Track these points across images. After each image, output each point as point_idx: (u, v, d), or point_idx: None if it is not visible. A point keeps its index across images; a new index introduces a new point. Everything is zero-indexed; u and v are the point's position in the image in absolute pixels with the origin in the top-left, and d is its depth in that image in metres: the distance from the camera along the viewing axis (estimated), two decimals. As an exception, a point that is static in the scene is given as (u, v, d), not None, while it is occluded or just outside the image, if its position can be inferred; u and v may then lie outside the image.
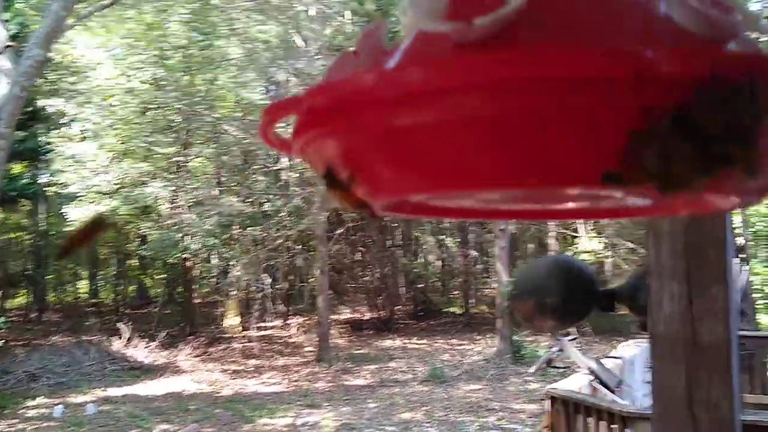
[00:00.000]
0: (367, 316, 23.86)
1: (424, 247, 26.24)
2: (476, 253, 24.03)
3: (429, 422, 11.88)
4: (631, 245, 18.11)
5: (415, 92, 0.41)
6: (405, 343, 20.26)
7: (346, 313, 24.79)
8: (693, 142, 0.36)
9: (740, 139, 0.37)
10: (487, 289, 24.35)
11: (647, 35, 0.43)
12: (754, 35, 0.49)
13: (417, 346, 20.00)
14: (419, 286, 23.59)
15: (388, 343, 20.68)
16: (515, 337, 16.73)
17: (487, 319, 18.50)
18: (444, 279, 27.02)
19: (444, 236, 25.17)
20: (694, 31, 0.39)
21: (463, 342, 19.77)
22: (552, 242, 21.47)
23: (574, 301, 0.93)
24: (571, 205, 0.58)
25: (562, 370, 7.65)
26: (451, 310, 25.00)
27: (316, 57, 18.28)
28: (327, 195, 0.52)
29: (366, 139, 0.46)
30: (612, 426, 4.87)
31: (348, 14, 18.84)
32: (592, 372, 5.55)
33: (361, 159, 0.47)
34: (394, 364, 17.69)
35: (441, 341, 19.95)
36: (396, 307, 24.15)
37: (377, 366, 17.32)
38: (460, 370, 16.02)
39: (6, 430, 11.98)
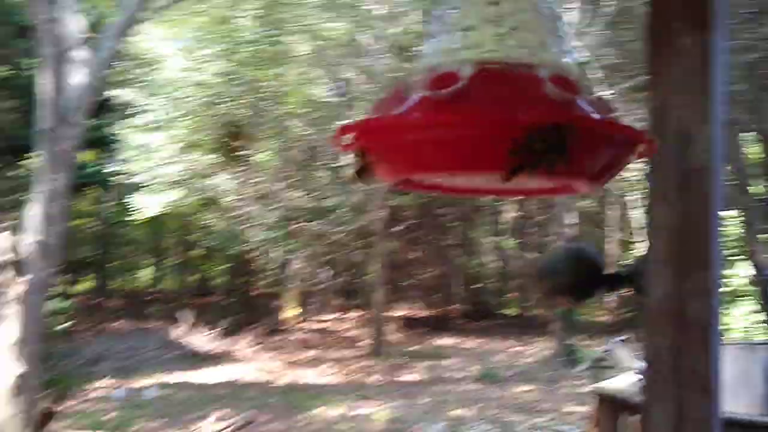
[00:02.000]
0: (423, 313, 23.96)
1: (481, 247, 26.16)
2: (534, 256, 23.83)
3: (480, 420, 11.89)
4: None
5: (411, 125, 0.83)
6: (459, 342, 20.28)
7: (402, 310, 24.94)
8: (537, 151, 0.74)
9: (556, 150, 0.74)
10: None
11: (528, 101, 0.80)
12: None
13: (471, 345, 20.00)
14: (476, 286, 23.52)
15: (442, 341, 20.74)
16: (570, 341, 16.57)
17: (542, 322, 18.38)
18: (501, 280, 26.91)
19: (502, 237, 25.07)
20: (553, 98, 0.78)
21: (518, 343, 19.67)
22: (610, 247, 21.21)
23: (583, 282, 1.09)
24: (510, 186, 0.91)
25: (611, 370, 7.68)
26: (507, 311, 24.90)
27: (382, 56, 18.43)
28: (355, 165, 0.93)
29: (388, 145, 0.87)
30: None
31: (414, 15, 18.89)
32: (640, 372, 5.49)
33: (384, 155, 0.88)
34: (448, 362, 17.73)
35: (495, 342, 19.89)
36: (451, 306, 24.18)
37: (431, 363, 17.39)
38: (514, 371, 15.96)
39: (71, 409, 12.46)
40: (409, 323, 22.91)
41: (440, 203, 23.40)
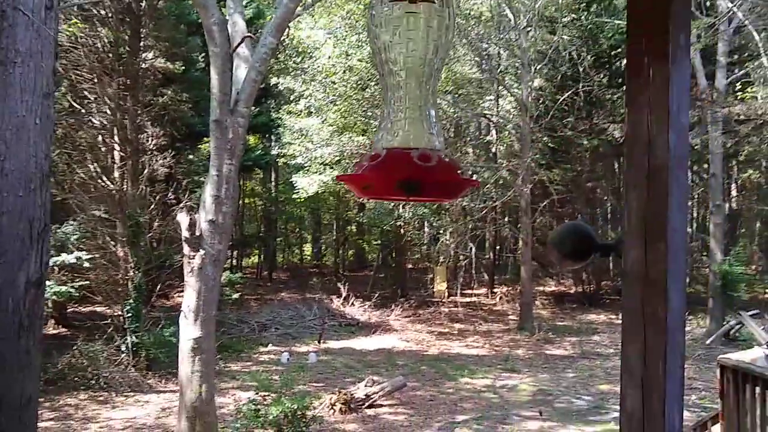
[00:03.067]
0: (573, 289, 23.70)
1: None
2: (691, 231, 22.83)
3: (626, 395, 11.83)
4: None
5: (363, 178, 1.49)
6: (610, 318, 19.95)
7: (551, 285, 24.80)
8: (405, 188, 1.42)
9: (414, 189, 1.42)
10: (704, 267, 23.08)
11: (404, 167, 1.43)
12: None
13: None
14: (629, 261, 22.90)
15: (592, 316, 20.51)
16: (728, 318, 15.92)
17: (700, 299, 17.67)
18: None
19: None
20: (418, 165, 1.41)
21: (674, 320, 18.99)
22: None
23: (579, 250, 1.48)
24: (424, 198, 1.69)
25: (742, 342, 7.51)
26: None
27: (526, 29, 18.37)
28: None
29: (352, 186, 1.56)
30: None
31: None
32: None
33: (357, 187, 1.55)
34: (597, 337, 17.61)
35: (648, 318, 19.32)
36: (603, 282, 23.72)
37: (579, 338, 17.34)
38: (667, 348, 15.53)
39: (243, 370, 13.73)
40: (559, 299, 22.80)
41: (589, 177, 22.99)
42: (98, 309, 15.65)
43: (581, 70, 18.37)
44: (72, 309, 17.36)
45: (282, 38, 14.02)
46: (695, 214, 27.66)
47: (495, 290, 23.36)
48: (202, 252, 8.29)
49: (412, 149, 1.46)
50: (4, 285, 3.77)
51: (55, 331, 15.77)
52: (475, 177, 20.70)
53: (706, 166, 21.11)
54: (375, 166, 1.44)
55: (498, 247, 26.06)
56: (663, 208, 1.26)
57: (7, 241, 3.80)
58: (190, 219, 8.27)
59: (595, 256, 1.48)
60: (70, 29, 13.13)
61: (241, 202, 27.51)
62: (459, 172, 1.55)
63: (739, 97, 19.16)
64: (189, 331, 8.32)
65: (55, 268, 11.80)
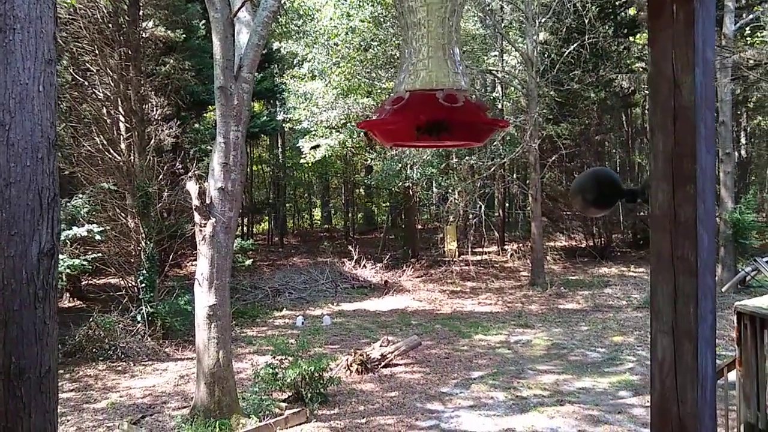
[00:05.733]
0: (584, 243, 23.71)
1: (643, 172, 25.25)
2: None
3: (640, 345, 11.93)
4: None
5: (386, 122, 1.41)
6: (622, 271, 20.00)
7: (561, 240, 24.80)
8: (426, 130, 1.31)
9: (436, 130, 1.30)
10: (715, 216, 23.01)
11: (428, 108, 1.36)
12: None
13: (634, 274, 19.67)
14: (639, 213, 22.88)
15: (603, 270, 20.54)
16: (740, 266, 15.91)
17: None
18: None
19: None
20: (443, 106, 1.34)
21: (686, 271, 19.01)
22: None
23: (604, 195, 1.46)
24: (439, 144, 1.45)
25: (757, 289, 7.49)
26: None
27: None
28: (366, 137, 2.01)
29: (375, 130, 1.45)
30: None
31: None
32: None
33: (376, 134, 1.45)
34: (609, 290, 17.66)
35: (660, 269, 19.32)
36: (613, 235, 23.70)
37: (591, 292, 17.40)
38: (679, 298, 15.57)
39: (259, 334, 13.86)
40: (570, 253, 22.82)
41: (597, 130, 22.82)
42: (112, 281, 15.78)
43: (586, 21, 18.09)
44: (86, 282, 17.52)
45: (283, 1, 13.83)
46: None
47: (506, 247, 23.40)
48: (212, 220, 8.33)
49: (437, 90, 1.39)
50: (17, 256, 3.76)
51: (70, 305, 15.94)
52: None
53: (715, 114, 20.85)
54: (398, 109, 1.38)
55: (507, 205, 26.03)
56: (690, 148, 1.23)
57: (17, 212, 3.78)
58: (200, 187, 8.29)
59: (620, 201, 1.45)
60: (69, 1, 12.99)
61: (249, 169, 27.52)
62: (487, 112, 1.47)
63: (748, 42, 18.86)
64: (204, 298, 8.41)
65: (68, 241, 11.86)
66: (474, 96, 1.46)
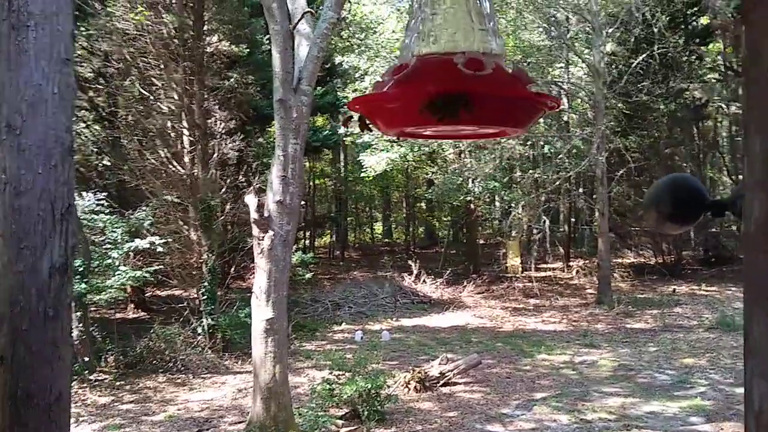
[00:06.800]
0: (653, 260, 22.92)
1: (717, 187, 24.37)
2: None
3: (713, 368, 11.34)
4: None
5: (384, 98, 1.16)
6: (692, 289, 19.20)
7: (629, 257, 24.06)
8: (437, 107, 0.99)
9: (463, 104, 0.97)
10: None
11: (439, 78, 1.09)
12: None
13: (705, 292, 18.84)
14: (712, 230, 22.02)
15: (673, 288, 19.79)
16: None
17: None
18: (740, 222, 24.85)
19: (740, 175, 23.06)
20: (465, 75, 1.02)
21: (762, 290, 18.16)
22: None
23: (685, 208, 1.17)
24: (464, 132, 1.25)
25: None
26: (748, 255, 22.95)
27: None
28: (359, 123, 1.25)
29: (379, 108, 1.17)
30: None
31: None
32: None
33: (378, 115, 1.17)
34: (680, 309, 16.94)
35: (733, 288, 18.50)
36: (684, 252, 22.86)
37: (660, 311, 16.71)
38: (754, 319, 14.85)
39: (317, 349, 13.78)
40: (638, 270, 22.08)
41: (667, 143, 22.11)
42: (176, 292, 15.98)
43: (656, 31, 17.56)
44: (151, 293, 17.81)
45: (344, 14, 13.84)
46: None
47: (571, 264, 22.81)
48: (271, 233, 8.27)
49: (456, 53, 1.06)
50: (26, 271, 3.54)
51: (134, 315, 16.21)
52: (546, 148, 20.18)
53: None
54: (401, 80, 1.07)
55: (573, 220, 25.43)
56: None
57: (27, 224, 3.55)
58: (258, 200, 8.26)
59: (705, 215, 1.19)
60: (137, 18, 13.28)
61: (312, 183, 27.74)
62: (529, 85, 1.11)
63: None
64: (261, 312, 8.34)
65: (130, 253, 12.04)
66: (509, 63, 1.12)
